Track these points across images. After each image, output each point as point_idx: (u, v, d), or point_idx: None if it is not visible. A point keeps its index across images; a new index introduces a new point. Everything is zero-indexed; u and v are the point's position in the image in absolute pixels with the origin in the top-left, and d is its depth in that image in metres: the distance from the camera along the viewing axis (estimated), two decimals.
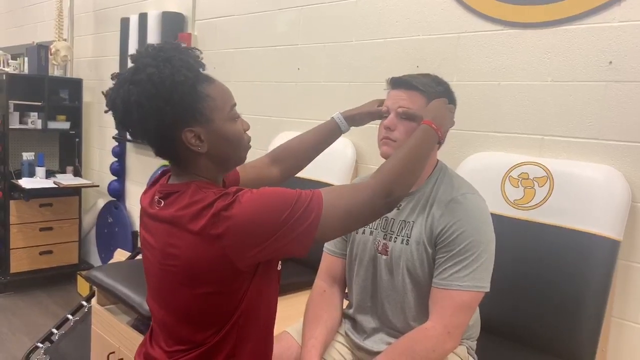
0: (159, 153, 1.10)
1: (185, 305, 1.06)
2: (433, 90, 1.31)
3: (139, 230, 1.17)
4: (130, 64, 1.06)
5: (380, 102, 1.41)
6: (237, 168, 1.29)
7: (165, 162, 3.57)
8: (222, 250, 0.97)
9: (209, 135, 1.05)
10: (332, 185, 2.20)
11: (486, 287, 1.26)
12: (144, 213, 1.13)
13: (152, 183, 1.17)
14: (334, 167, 2.28)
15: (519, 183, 1.73)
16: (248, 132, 1.14)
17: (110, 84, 1.11)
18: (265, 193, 1.01)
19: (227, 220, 0.96)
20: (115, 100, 1.04)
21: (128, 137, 3.57)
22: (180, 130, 1.03)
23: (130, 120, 1.04)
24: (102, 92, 1.11)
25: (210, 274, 1.01)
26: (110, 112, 1.10)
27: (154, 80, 0.99)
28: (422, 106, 1.29)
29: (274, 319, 1.18)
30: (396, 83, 1.35)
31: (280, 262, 1.16)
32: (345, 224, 1.05)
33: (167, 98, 1.00)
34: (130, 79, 1.02)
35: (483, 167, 1.85)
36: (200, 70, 1.06)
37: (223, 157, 1.09)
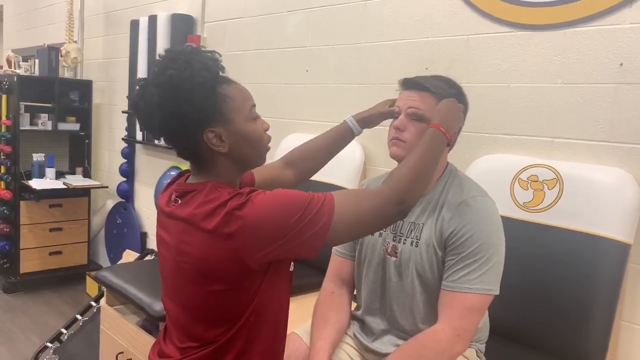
0: (181, 154, 1.13)
1: (197, 303, 1.08)
2: (445, 92, 1.31)
3: (156, 230, 1.19)
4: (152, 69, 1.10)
5: (392, 102, 1.41)
6: (252, 170, 1.30)
7: (174, 163, 3.58)
8: (233, 249, 0.99)
9: (229, 135, 1.08)
10: (340, 187, 2.21)
11: (496, 290, 1.26)
12: (160, 212, 1.15)
13: (170, 183, 1.19)
14: (343, 169, 2.28)
15: (529, 185, 1.73)
16: (268, 133, 1.16)
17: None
18: (278, 195, 1.03)
19: (239, 219, 0.98)
20: (138, 103, 1.07)
21: (137, 138, 3.61)
22: (201, 131, 1.06)
23: (153, 122, 1.07)
24: (127, 97, 1.14)
25: (222, 271, 1.03)
26: (128, 115, 1.14)
27: (173, 82, 1.02)
28: (433, 108, 1.29)
29: (286, 318, 1.19)
30: (408, 84, 1.35)
31: (292, 262, 1.17)
32: (356, 229, 1.07)
33: (187, 99, 1.03)
34: (152, 82, 1.05)
35: (492, 170, 1.85)
36: (220, 72, 1.09)
37: (243, 156, 1.11)
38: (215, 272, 1.03)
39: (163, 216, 1.14)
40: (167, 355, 1.15)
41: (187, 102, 1.03)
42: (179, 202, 1.09)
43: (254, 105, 1.13)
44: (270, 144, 1.17)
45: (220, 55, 1.12)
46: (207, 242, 1.01)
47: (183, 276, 1.08)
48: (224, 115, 1.07)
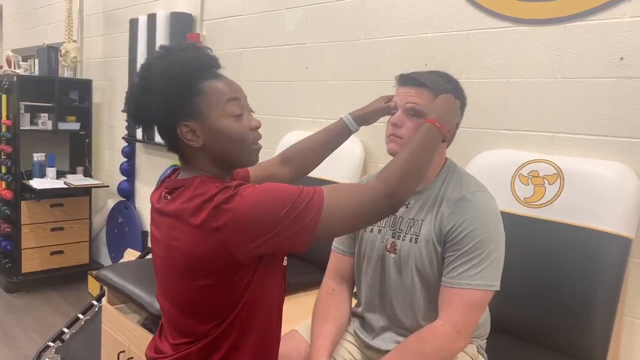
0: (169, 147, 1.14)
1: (188, 297, 1.08)
2: (442, 87, 1.30)
3: (150, 228, 1.19)
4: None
5: (388, 98, 1.40)
6: (248, 168, 1.30)
7: (175, 162, 3.58)
8: (221, 242, 0.99)
9: (203, 130, 1.08)
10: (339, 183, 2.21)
11: (496, 285, 1.25)
12: (152, 209, 1.16)
13: (163, 180, 1.19)
14: (343, 166, 2.27)
15: (529, 181, 1.72)
16: (260, 131, 1.15)
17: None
18: (267, 188, 1.02)
19: (226, 213, 0.98)
20: (126, 95, 1.12)
21: (138, 137, 3.60)
22: (175, 124, 1.07)
23: (132, 113, 1.10)
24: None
25: (211, 266, 1.02)
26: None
27: (147, 75, 1.06)
28: (430, 103, 1.28)
29: (280, 314, 1.19)
30: (404, 80, 1.34)
31: (285, 257, 1.17)
32: (346, 223, 1.05)
33: (158, 92, 1.05)
34: (137, 75, 1.09)
35: (492, 165, 1.84)
36: (203, 68, 1.09)
37: (221, 153, 1.10)
38: (204, 266, 1.03)
39: (155, 213, 1.14)
40: (161, 352, 1.16)
41: (158, 95, 1.05)
42: (169, 198, 1.09)
43: (233, 99, 1.09)
44: (260, 142, 1.15)
45: (212, 51, 1.13)
46: (195, 236, 1.01)
47: (173, 272, 1.09)
48: (198, 111, 1.07)
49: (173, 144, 1.12)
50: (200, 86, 1.07)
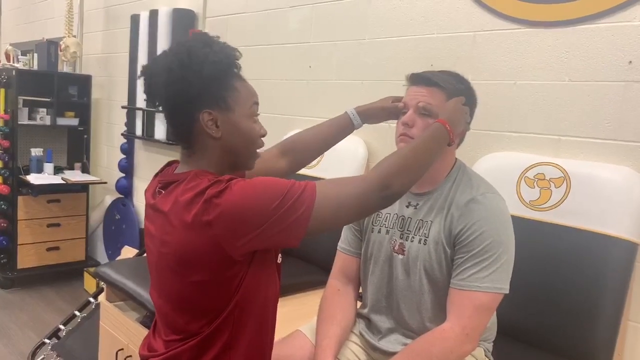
0: (174, 132, 1.12)
1: (180, 294, 1.07)
2: (454, 87, 1.29)
3: (144, 224, 1.18)
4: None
5: (395, 99, 1.39)
6: None
7: (173, 159, 3.55)
8: (213, 237, 0.98)
9: (225, 123, 1.08)
10: None
11: (505, 288, 1.24)
12: (147, 204, 1.15)
13: (156, 174, 1.18)
14: (345, 166, 2.25)
15: (535, 184, 1.71)
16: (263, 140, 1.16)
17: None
18: (258, 182, 1.02)
19: (217, 207, 0.97)
20: (151, 66, 1.09)
21: (137, 134, 3.57)
22: (199, 110, 1.06)
23: (157, 84, 1.07)
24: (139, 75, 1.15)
25: (203, 261, 1.01)
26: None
27: (191, 52, 1.04)
28: (443, 103, 1.27)
29: (275, 312, 1.18)
30: (416, 79, 1.33)
31: (280, 255, 1.16)
32: (340, 215, 1.04)
33: (197, 70, 1.04)
34: (170, 51, 1.07)
35: (498, 167, 1.83)
36: (235, 66, 1.11)
37: (234, 149, 1.10)
38: (195, 261, 1.02)
39: (149, 208, 1.13)
40: (154, 350, 1.14)
41: (195, 74, 1.03)
42: (162, 193, 1.08)
43: (257, 104, 1.14)
44: (259, 152, 1.17)
45: (241, 55, 1.13)
46: (187, 231, 1.00)
47: (165, 267, 1.08)
48: (226, 103, 1.08)
49: (185, 128, 1.09)
50: (233, 82, 1.09)
